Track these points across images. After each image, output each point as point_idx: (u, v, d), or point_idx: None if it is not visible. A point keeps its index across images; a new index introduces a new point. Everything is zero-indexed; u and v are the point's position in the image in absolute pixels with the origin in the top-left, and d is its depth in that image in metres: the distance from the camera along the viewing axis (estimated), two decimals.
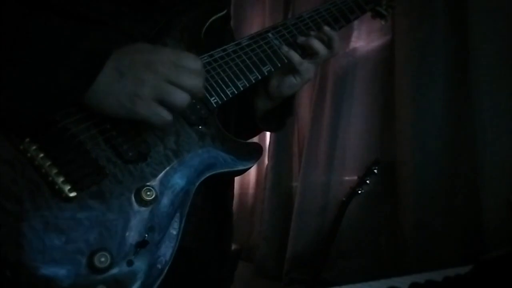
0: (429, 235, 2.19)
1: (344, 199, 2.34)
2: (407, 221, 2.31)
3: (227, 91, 0.97)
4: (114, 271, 0.76)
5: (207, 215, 0.99)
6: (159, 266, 0.80)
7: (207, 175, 0.90)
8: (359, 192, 2.33)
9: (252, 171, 3.31)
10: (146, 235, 0.80)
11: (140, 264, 0.78)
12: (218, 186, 1.00)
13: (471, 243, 2.05)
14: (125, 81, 0.79)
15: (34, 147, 0.77)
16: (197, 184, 0.88)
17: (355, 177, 2.39)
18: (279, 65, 1.06)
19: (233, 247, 2.68)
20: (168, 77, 0.81)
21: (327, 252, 2.37)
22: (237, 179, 3.73)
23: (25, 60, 0.77)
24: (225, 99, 0.97)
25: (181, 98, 0.81)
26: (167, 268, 0.81)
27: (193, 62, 0.85)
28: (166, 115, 0.81)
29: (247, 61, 1.02)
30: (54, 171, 0.77)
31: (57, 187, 0.76)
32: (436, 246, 2.16)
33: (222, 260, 1.07)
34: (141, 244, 0.79)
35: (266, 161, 3.11)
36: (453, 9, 2.20)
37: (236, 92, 0.98)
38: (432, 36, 2.25)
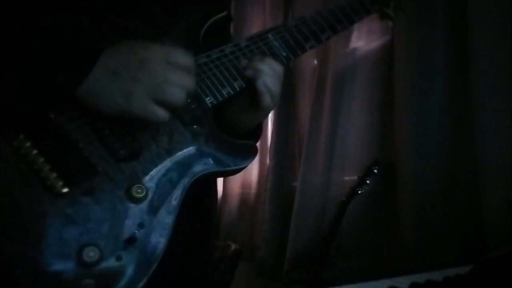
0: (429, 235, 2.19)
1: (344, 199, 2.34)
2: (407, 221, 2.31)
3: (222, 91, 0.97)
4: (103, 265, 0.78)
5: (191, 214, 0.99)
6: (147, 262, 0.81)
7: (200, 174, 0.91)
8: (359, 192, 2.33)
9: (254, 171, 3.31)
10: (136, 231, 0.81)
11: (129, 260, 0.80)
12: (203, 185, 1.00)
13: (471, 243, 2.05)
14: (120, 79, 0.80)
15: (28, 144, 0.79)
16: (189, 183, 0.89)
17: (355, 177, 2.39)
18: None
19: (233, 247, 2.69)
20: (163, 76, 0.82)
21: (327, 252, 2.37)
22: (239, 179, 3.72)
23: (22, 57, 0.78)
24: (220, 99, 0.97)
25: (178, 96, 0.83)
26: (155, 265, 0.82)
27: (184, 58, 0.86)
28: (162, 114, 0.83)
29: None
30: (47, 167, 0.78)
31: (49, 182, 0.78)
32: (436, 246, 2.15)
33: (206, 259, 1.08)
34: (131, 240, 0.81)
35: (267, 161, 3.11)
36: (453, 9, 2.20)
37: (232, 92, 0.98)
38: (432, 36, 2.25)
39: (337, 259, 2.55)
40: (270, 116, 3.03)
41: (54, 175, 0.78)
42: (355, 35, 2.70)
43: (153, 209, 0.84)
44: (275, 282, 2.84)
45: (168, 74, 0.82)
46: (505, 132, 1.99)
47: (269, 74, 0.99)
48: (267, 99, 1.00)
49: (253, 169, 3.28)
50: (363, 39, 2.69)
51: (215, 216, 1.12)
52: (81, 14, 0.90)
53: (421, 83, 2.28)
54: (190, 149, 0.91)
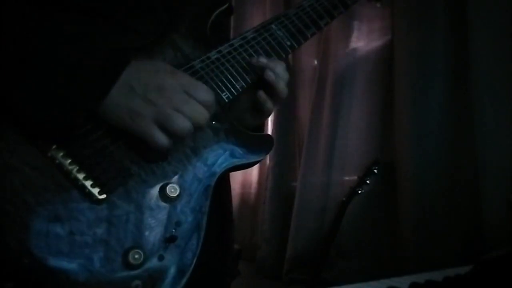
0: (429, 235, 2.20)
1: (344, 199, 2.34)
2: (407, 221, 2.31)
3: (236, 85, 0.99)
4: (148, 266, 0.81)
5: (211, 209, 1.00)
6: (187, 259, 0.84)
7: (225, 168, 0.93)
8: (359, 192, 2.33)
9: (255, 171, 3.31)
10: (174, 230, 0.84)
11: (170, 259, 0.83)
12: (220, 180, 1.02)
13: (471, 243, 2.05)
14: (133, 97, 0.82)
15: (61, 154, 0.80)
16: (216, 178, 0.92)
17: (355, 177, 2.39)
18: (284, 56, 1.07)
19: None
20: (175, 104, 0.83)
21: (327, 252, 2.37)
22: (239, 178, 3.70)
23: (45, 70, 0.79)
24: (235, 93, 0.99)
25: (182, 125, 0.83)
26: (194, 262, 0.85)
27: (205, 94, 0.87)
28: (162, 139, 0.83)
29: (254, 54, 1.03)
30: (82, 175, 0.80)
31: (87, 190, 0.80)
32: (436, 246, 2.16)
33: (224, 252, 1.09)
34: (170, 239, 0.83)
35: (267, 161, 3.11)
36: (453, 9, 2.20)
37: (245, 85, 1.00)
38: (432, 36, 2.25)
39: (337, 259, 2.56)
40: (270, 116, 3.04)
41: (91, 182, 0.80)
42: (355, 35, 2.71)
43: (187, 207, 0.87)
44: (275, 282, 2.84)
45: (181, 104, 0.84)
46: (505, 132, 1.99)
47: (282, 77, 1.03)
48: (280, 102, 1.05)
49: (253, 169, 3.28)
50: (363, 39, 2.70)
51: (231, 209, 1.14)
52: (81, 14, 0.90)
53: (421, 83, 2.29)
54: (213, 146, 0.93)
